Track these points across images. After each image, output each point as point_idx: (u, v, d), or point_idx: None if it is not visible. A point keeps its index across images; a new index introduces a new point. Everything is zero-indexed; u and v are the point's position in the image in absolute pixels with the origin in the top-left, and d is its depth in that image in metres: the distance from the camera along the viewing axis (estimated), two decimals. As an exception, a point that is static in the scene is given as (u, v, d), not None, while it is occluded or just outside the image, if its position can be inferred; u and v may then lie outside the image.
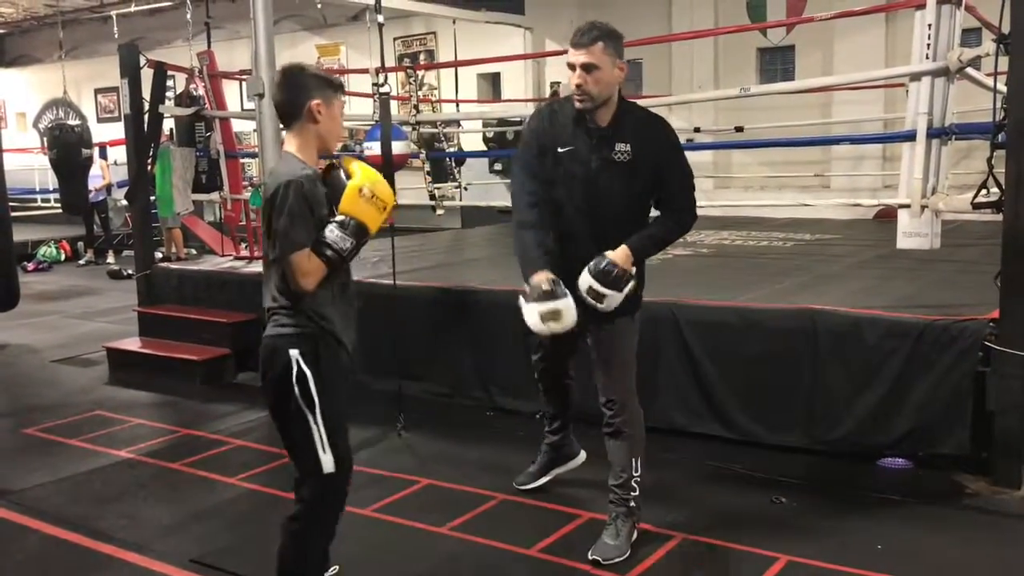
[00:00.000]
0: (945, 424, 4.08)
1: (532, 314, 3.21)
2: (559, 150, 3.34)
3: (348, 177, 2.75)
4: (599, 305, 3.25)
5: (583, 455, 4.15)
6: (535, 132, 3.45)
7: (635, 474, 3.50)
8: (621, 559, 3.39)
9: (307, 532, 2.81)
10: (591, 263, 3.24)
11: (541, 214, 3.36)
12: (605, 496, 3.79)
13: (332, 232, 2.69)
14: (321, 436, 2.72)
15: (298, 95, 2.74)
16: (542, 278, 3.21)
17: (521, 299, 3.28)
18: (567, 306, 3.19)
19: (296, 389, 2.69)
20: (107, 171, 12.85)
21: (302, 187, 2.66)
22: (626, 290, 3.25)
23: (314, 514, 2.80)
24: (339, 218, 2.70)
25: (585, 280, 3.23)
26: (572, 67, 3.23)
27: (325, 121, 2.79)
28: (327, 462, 2.72)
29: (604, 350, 3.49)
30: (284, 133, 2.84)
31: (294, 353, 2.69)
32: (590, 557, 3.38)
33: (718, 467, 4.33)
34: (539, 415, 5.06)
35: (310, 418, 2.71)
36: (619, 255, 3.24)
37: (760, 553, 3.39)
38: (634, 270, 3.28)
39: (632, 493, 3.51)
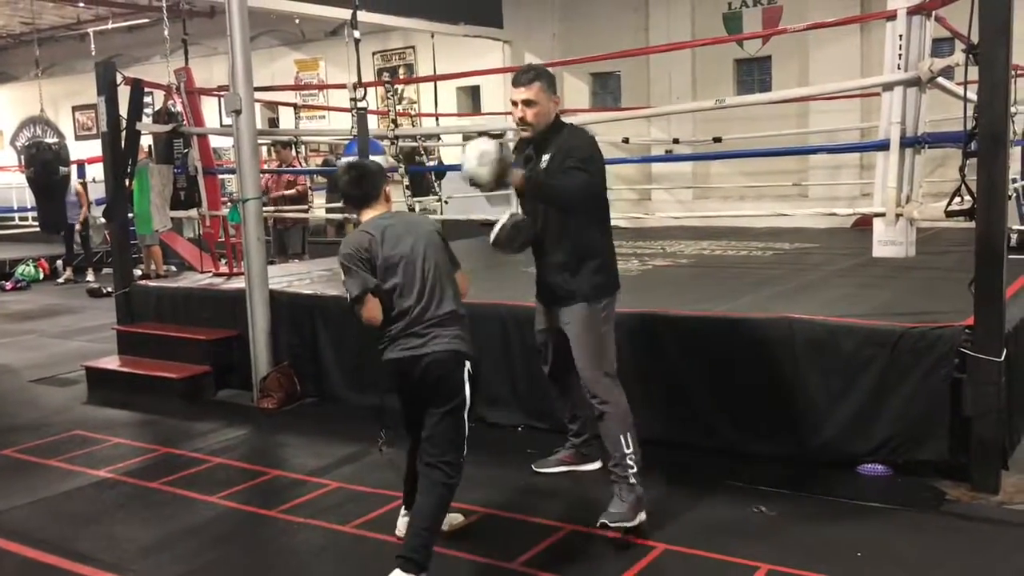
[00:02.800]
0: (923, 430, 4.11)
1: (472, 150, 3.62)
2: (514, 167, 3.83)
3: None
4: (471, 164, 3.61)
5: (598, 464, 4.32)
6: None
7: (627, 451, 3.72)
8: (626, 524, 3.62)
9: (449, 499, 3.40)
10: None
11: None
12: (588, 510, 3.82)
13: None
14: (466, 432, 3.42)
15: (376, 187, 3.59)
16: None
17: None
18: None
19: (467, 392, 3.38)
20: (84, 198, 12.73)
21: None
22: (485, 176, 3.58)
23: (456, 487, 3.41)
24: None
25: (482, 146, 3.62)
26: (515, 103, 3.81)
27: (391, 198, 3.69)
28: (465, 450, 3.42)
29: (570, 339, 3.84)
30: (365, 209, 3.58)
31: (469, 365, 3.42)
32: (598, 523, 3.62)
33: (698, 477, 4.34)
34: (521, 428, 5.10)
35: (465, 416, 3.40)
36: (517, 172, 3.65)
37: (741, 563, 3.39)
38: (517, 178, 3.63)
39: (630, 470, 3.71)
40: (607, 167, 3.97)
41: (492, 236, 3.73)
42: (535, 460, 4.51)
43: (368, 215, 3.54)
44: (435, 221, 3.55)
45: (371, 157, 5.63)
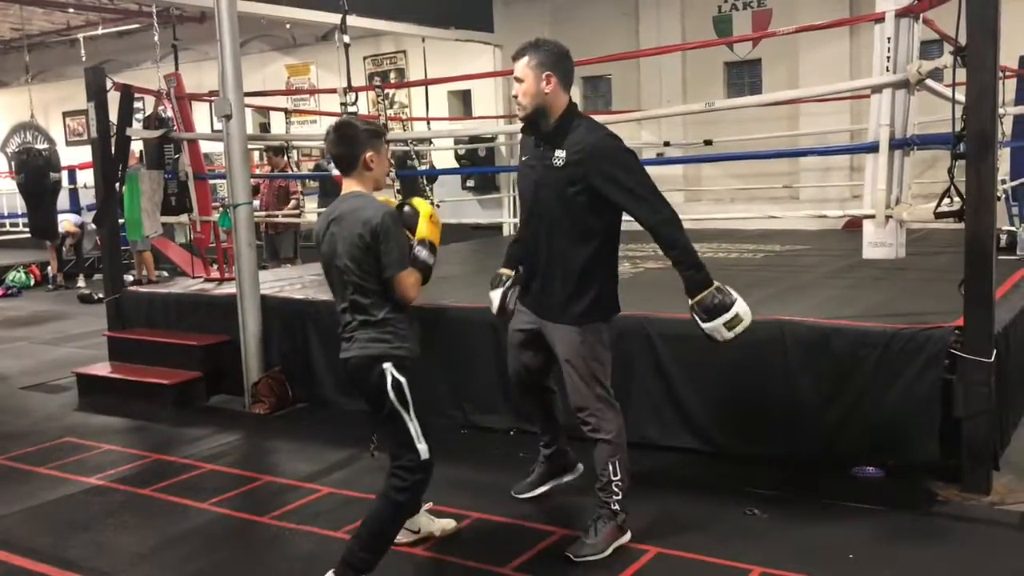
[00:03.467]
0: (914, 432, 4.12)
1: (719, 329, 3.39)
2: (522, 157, 3.72)
3: (415, 210, 3.39)
4: (727, 336, 3.42)
5: (580, 468, 4.15)
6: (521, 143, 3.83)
7: (614, 478, 3.55)
8: (596, 557, 3.48)
9: (406, 507, 3.30)
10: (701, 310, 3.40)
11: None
12: (580, 513, 3.82)
13: (421, 252, 3.31)
14: (416, 430, 3.21)
15: (353, 149, 3.27)
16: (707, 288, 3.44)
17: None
18: (743, 308, 3.39)
19: (392, 394, 3.19)
20: (71, 227, 12.63)
21: (391, 216, 3.20)
22: (727, 315, 3.39)
23: (414, 492, 3.30)
24: (419, 240, 3.32)
25: (710, 328, 3.42)
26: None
27: (377, 167, 3.32)
28: (423, 450, 3.21)
29: (560, 361, 3.63)
30: (344, 177, 3.33)
31: (387, 365, 3.20)
32: (564, 553, 3.50)
33: (690, 480, 4.34)
34: (512, 432, 5.09)
35: (406, 417, 3.21)
36: (693, 292, 3.42)
37: (734, 565, 3.39)
38: (718, 293, 3.43)
39: (614, 496, 3.56)
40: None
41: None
42: (527, 464, 4.50)
43: (345, 186, 3.32)
44: (382, 212, 3.16)
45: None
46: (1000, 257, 4.09)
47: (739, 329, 3.39)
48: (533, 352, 3.79)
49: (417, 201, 3.46)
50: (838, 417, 4.28)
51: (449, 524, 3.80)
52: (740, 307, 3.38)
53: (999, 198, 4.04)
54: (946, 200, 4.23)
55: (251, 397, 6.00)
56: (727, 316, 3.36)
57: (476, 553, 3.60)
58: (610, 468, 3.56)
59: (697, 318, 3.40)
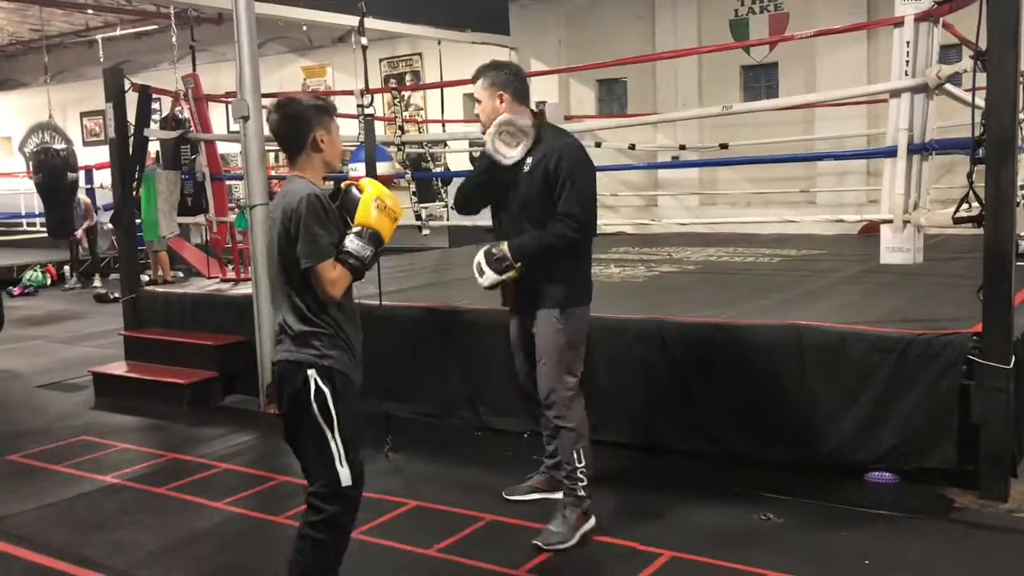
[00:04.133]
0: (931, 438, 4.09)
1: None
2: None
3: (360, 193, 2.92)
4: (479, 279, 3.74)
5: None
6: None
7: (579, 465, 3.70)
8: (564, 546, 3.61)
9: (327, 544, 2.88)
10: (486, 247, 3.73)
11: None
12: (596, 518, 3.81)
13: (352, 242, 2.84)
14: (339, 451, 2.82)
15: (301, 129, 2.89)
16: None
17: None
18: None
19: (314, 407, 2.81)
20: (91, 210, 12.78)
21: (318, 201, 2.80)
22: (504, 276, 3.68)
23: (334, 526, 2.88)
24: (356, 229, 2.85)
25: (477, 257, 3.73)
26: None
27: (328, 148, 2.94)
28: (344, 475, 2.83)
29: (536, 345, 3.76)
30: (289, 162, 2.96)
31: (312, 373, 2.82)
32: (532, 543, 3.62)
33: (704, 484, 4.32)
34: (526, 435, 5.08)
35: (328, 434, 2.82)
36: (504, 245, 3.68)
37: (748, 570, 3.38)
38: (515, 263, 3.67)
39: (579, 483, 3.71)
40: (615, 173, 3.94)
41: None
42: (539, 466, 4.51)
43: (289, 172, 2.98)
44: (301, 195, 2.80)
45: (378, 163, 5.64)
46: (1019, 263, 4.05)
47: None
48: (527, 354, 3.92)
49: (366, 182, 2.99)
50: (854, 422, 4.26)
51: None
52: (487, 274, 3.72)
53: (1018, 203, 4.00)
54: (965, 205, 4.21)
55: (266, 397, 6.02)
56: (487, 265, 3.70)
57: (490, 555, 3.60)
58: (574, 456, 3.70)
59: (485, 257, 3.71)
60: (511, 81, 3.78)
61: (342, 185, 3.00)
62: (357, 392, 2.98)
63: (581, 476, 3.70)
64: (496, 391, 5.22)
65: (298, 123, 2.90)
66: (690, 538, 3.71)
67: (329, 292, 2.81)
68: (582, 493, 3.71)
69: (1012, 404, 3.94)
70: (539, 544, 3.61)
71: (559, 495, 3.98)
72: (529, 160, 3.69)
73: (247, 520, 4.16)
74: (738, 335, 4.60)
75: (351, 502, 2.89)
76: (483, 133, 3.81)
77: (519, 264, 3.66)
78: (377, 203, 2.89)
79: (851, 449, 4.28)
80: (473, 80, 3.80)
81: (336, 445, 2.83)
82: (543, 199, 3.65)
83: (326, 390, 2.82)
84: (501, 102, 3.75)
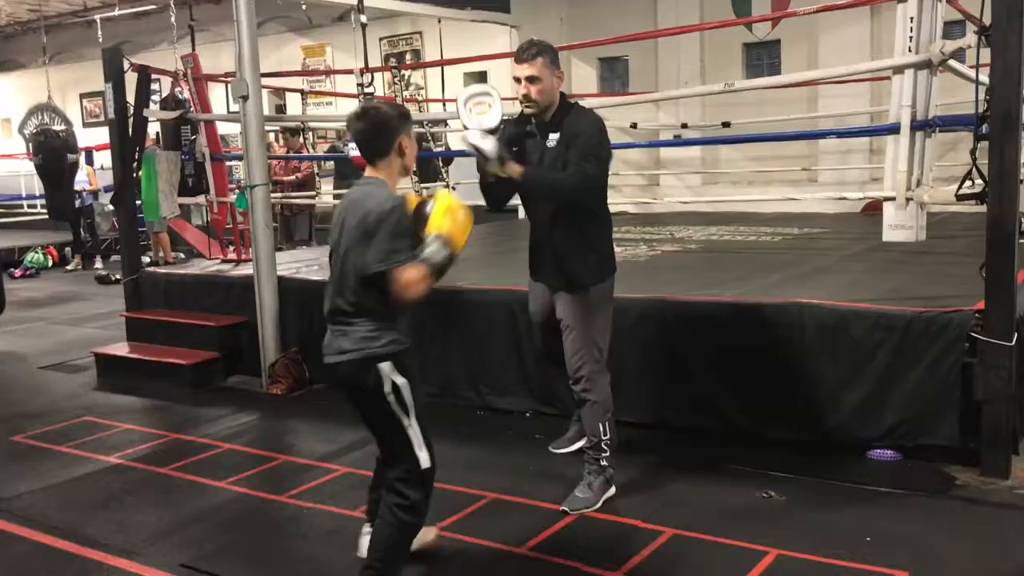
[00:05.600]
0: (933, 415, 4.10)
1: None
2: (514, 148, 3.81)
3: (432, 205, 3.06)
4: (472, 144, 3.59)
5: None
6: (505, 129, 3.87)
7: (604, 437, 3.83)
8: (589, 509, 3.75)
9: (410, 526, 3.04)
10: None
11: None
12: (596, 494, 3.83)
13: (429, 247, 2.93)
14: (417, 436, 2.99)
15: (389, 135, 3.03)
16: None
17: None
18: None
19: (392, 398, 2.96)
20: (94, 177, 12.80)
21: (404, 208, 2.95)
22: (489, 166, 3.60)
23: (416, 511, 3.03)
24: (432, 235, 2.95)
25: (473, 134, 3.60)
26: (518, 80, 3.71)
27: (408, 152, 3.09)
28: (424, 459, 3.00)
29: (562, 322, 3.83)
30: (370, 164, 3.10)
31: (384, 367, 2.95)
32: (560, 508, 3.74)
33: (707, 462, 4.33)
34: (528, 414, 5.09)
35: (405, 423, 2.98)
36: (512, 166, 3.62)
37: (750, 547, 3.39)
38: (515, 170, 3.63)
39: (603, 454, 3.84)
40: (616, 152, 3.95)
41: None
42: (543, 445, 4.52)
43: (369, 172, 3.11)
44: (392, 201, 2.93)
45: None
46: (1022, 241, 4.04)
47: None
48: (552, 327, 3.96)
49: (442, 193, 3.15)
50: (856, 400, 4.26)
51: (429, 533, 3.43)
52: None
53: (1022, 181, 3.98)
54: (968, 182, 4.19)
55: (268, 378, 6.03)
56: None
57: (493, 533, 3.61)
58: (601, 428, 3.82)
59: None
60: (559, 60, 3.80)
61: (408, 197, 3.11)
62: (416, 378, 3.08)
63: (605, 447, 3.83)
64: (498, 371, 5.23)
65: (385, 130, 3.03)
66: (692, 515, 3.71)
67: (405, 293, 2.89)
68: (605, 463, 3.84)
69: (1014, 381, 3.93)
70: (566, 508, 3.73)
71: None
72: (555, 136, 3.73)
73: (250, 500, 4.17)
74: (740, 314, 4.59)
75: (431, 485, 3.04)
76: (533, 114, 3.76)
77: (512, 170, 3.61)
78: (449, 211, 3.00)
79: (853, 427, 4.28)
80: (525, 59, 3.68)
81: (414, 432, 2.99)
82: (565, 159, 3.69)
83: (399, 382, 2.96)
84: (560, 81, 3.76)
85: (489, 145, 3.54)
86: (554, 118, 3.77)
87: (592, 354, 3.78)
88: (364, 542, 3.21)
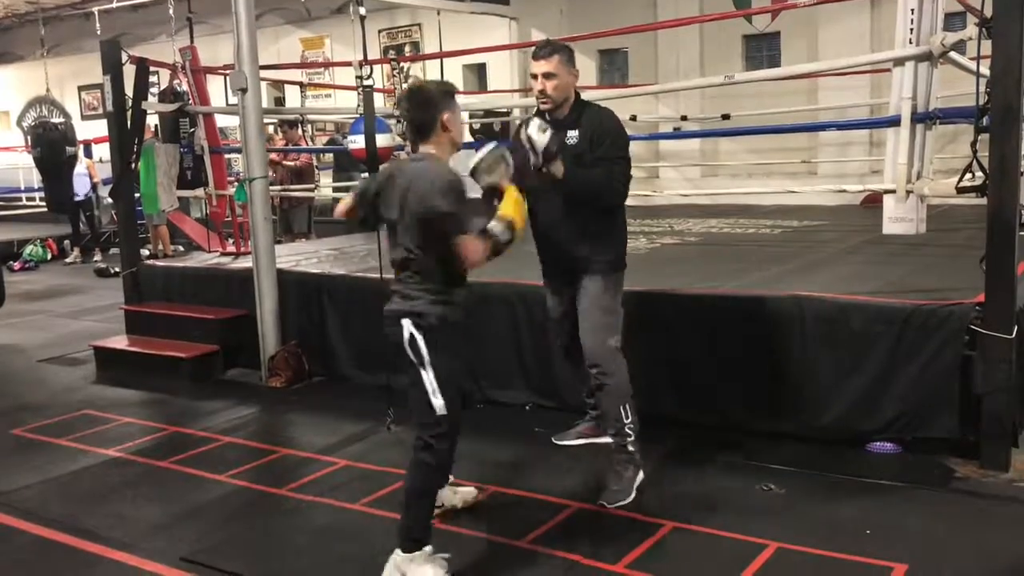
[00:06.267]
0: (933, 408, 4.10)
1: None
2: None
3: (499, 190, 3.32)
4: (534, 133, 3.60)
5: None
6: (517, 128, 3.95)
7: (626, 421, 3.85)
8: (626, 502, 3.74)
9: (432, 466, 3.25)
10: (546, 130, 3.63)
11: None
12: (593, 487, 3.85)
13: (497, 226, 3.20)
14: (432, 384, 3.17)
15: (431, 112, 3.23)
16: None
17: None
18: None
19: (408, 350, 3.19)
20: (94, 169, 12.77)
21: (461, 183, 3.15)
22: (539, 160, 3.61)
23: (435, 451, 3.24)
24: (501, 218, 3.22)
25: (535, 124, 3.63)
26: (535, 76, 3.85)
27: (453, 128, 3.29)
28: (439, 405, 3.18)
29: (579, 308, 3.91)
30: (420, 143, 3.29)
31: (407, 322, 3.18)
32: (597, 503, 3.74)
33: (706, 455, 4.33)
34: (528, 407, 5.09)
35: (422, 372, 3.18)
36: (559, 164, 3.66)
37: (749, 540, 3.39)
38: (560, 169, 3.67)
39: (628, 439, 3.85)
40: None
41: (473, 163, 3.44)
42: (542, 438, 4.52)
43: (419, 150, 3.34)
44: (453, 176, 3.16)
45: (377, 135, 5.59)
46: (1023, 233, 4.03)
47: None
48: (573, 320, 4.00)
49: (510, 188, 3.33)
50: (856, 393, 4.26)
51: (470, 494, 3.82)
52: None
53: (1022, 173, 3.98)
54: (968, 175, 4.18)
55: (268, 371, 6.03)
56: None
57: (493, 525, 3.62)
58: (622, 412, 3.85)
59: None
60: (574, 61, 3.91)
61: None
62: (460, 340, 3.32)
63: (629, 432, 3.85)
64: (498, 364, 5.22)
65: (429, 107, 3.22)
66: (692, 508, 3.72)
67: (470, 260, 3.14)
68: (632, 449, 3.86)
69: (1014, 374, 3.93)
70: (604, 503, 3.74)
71: (606, 439, 4.15)
72: (574, 133, 3.82)
73: (249, 493, 4.17)
74: (739, 306, 4.59)
75: (453, 435, 3.26)
76: (548, 110, 3.83)
77: (557, 169, 3.66)
78: (518, 205, 3.29)
79: (853, 420, 4.28)
80: (542, 56, 3.82)
81: (429, 379, 3.17)
82: (588, 157, 3.78)
83: (418, 336, 3.16)
84: (575, 79, 3.88)
85: (545, 139, 3.59)
86: (570, 114, 3.88)
87: (610, 337, 3.85)
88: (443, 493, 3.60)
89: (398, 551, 3.17)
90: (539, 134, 3.59)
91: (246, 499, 4.11)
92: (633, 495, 3.78)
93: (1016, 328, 3.91)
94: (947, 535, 3.47)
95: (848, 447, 4.26)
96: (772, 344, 4.45)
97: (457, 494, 3.79)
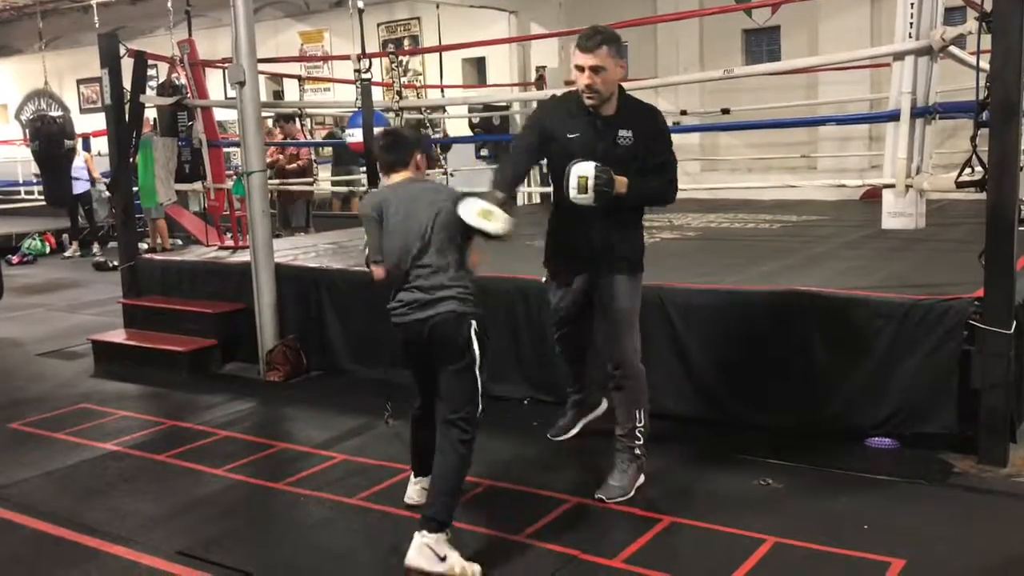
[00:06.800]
0: (931, 403, 4.10)
1: (470, 206, 3.34)
2: (568, 136, 3.68)
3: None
4: (574, 193, 3.52)
5: (604, 404, 4.38)
6: (540, 119, 3.84)
7: (639, 424, 3.83)
8: (625, 498, 3.73)
9: (469, 458, 3.40)
10: (595, 164, 3.52)
11: (519, 173, 3.87)
12: (594, 482, 3.83)
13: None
14: (480, 384, 3.42)
15: (404, 154, 3.55)
16: (499, 196, 3.48)
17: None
18: (501, 214, 3.34)
19: (462, 348, 3.37)
20: (92, 163, 12.75)
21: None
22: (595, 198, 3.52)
23: (472, 445, 3.42)
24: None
25: (587, 167, 3.50)
26: (581, 68, 3.56)
27: (422, 167, 3.62)
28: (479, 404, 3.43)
29: (603, 309, 3.83)
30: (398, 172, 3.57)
31: (474, 323, 3.39)
32: (595, 496, 3.73)
33: (704, 450, 4.33)
34: (526, 401, 5.09)
35: (477, 371, 3.41)
36: (619, 179, 3.54)
37: (747, 535, 3.39)
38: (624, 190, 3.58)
39: (636, 441, 3.83)
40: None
41: (577, 188, 3.48)
42: (540, 432, 4.51)
43: (397, 176, 3.57)
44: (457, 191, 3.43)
45: (375, 129, 5.58)
46: (1021, 228, 4.03)
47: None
48: (582, 317, 4.02)
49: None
50: (854, 387, 4.25)
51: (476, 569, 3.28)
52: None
53: (1022, 168, 3.97)
54: (968, 170, 4.17)
55: (266, 365, 6.02)
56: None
57: (490, 520, 3.61)
58: (637, 415, 3.82)
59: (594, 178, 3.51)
60: (623, 52, 3.82)
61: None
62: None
63: (639, 435, 3.83)
64: (495, 358, 5.19)
65: (403, 149, 3.56)
66: (690, 503, 3.72)
67: (476, 266, 3.50)
68: (639, 452, 3.83)
69: (1012, 369, 3.93)
70: (602, 497, 3.73)
71: (591, 416, 4.28)
72: (626, 133, 3.65)
73: (247, 487, 4.17)
74: (739, 301, 4.58)
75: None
76: (594, 106, 3.61)
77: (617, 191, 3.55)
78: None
79: (851, 414, 4.28)
80: (589, 48, 3.52)
81: (480, 381, 3.40)
82: (641, 158, 3.67)
83: (474, 336, 3.37)
84: (623, 71, 3.67)
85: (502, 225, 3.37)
86: (619, 113, 3.67)
87: (635, 339, 3.82)
88: (412, 490, 3.72)
89: (426, 532, 3.18)
90: (578, 194, 3.51)
91: (244, 493, 4.11)
92: (632, 494, 3.77)
93: (1015, 323, 3.90)
94: (945, 530, 3.47)
95: (847, 442, 4.26)
96: (771, 339, 4.45)
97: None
